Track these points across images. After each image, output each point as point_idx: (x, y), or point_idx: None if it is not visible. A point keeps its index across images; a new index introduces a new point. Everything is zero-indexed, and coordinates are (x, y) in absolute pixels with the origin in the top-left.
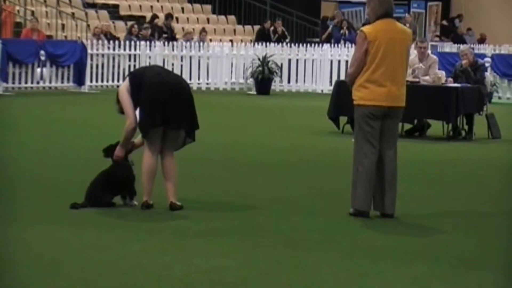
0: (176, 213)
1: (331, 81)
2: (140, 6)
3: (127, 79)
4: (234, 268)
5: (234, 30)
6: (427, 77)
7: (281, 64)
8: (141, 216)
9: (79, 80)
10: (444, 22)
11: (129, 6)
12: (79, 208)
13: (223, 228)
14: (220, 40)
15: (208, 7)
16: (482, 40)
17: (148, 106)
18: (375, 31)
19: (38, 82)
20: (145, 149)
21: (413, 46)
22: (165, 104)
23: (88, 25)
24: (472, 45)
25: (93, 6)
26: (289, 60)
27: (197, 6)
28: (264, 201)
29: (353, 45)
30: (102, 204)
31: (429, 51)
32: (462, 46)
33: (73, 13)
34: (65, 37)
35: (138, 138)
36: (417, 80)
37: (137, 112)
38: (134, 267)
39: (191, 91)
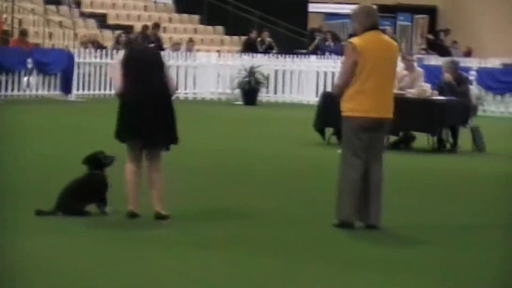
0: (162, 222)
1: (317, 92)
2: (128, 15)
3: (123, 53)
4: (221, 278)
5: (222, 41)
6: (412, 90)
7: (268, 75)
8: (126, 225)
9: (66, 88)
10: (430, 36)
11: (117, 15)
12: (47, 215)
13: (210, 238)
14: (207, 50)
15: (196, 17)
16: (468, 54)
17: (122, 117)
18: (364, 42)
19: (25, 90)
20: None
21: (399, 58)
22: (141, 118)
23: (75, 34)
24: (457, 59)
25: (81, 15)
26: (276, 71)
27: (185, 16)
28: (250, 211)
29: (339, 56)
30: (72, 212)
31: (415, 64)
32: (444, 60)
33: (60, 22)
34: (53, 45)
35: None
36: (403, 92)
37: None
38: (118, 276)
39: (170, 101)
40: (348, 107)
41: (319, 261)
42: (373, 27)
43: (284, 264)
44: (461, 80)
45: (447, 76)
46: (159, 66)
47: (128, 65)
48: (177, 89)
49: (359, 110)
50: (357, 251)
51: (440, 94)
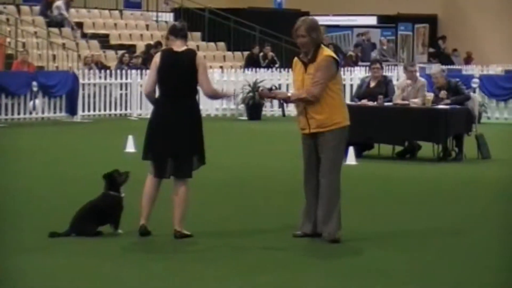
0: (177, 240)
1: None
2: (130, 35)
3: (159, 55)
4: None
5: (224, 57)
6: (416, 100)
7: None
8: (141, 243)
9: (72, 110)
10: (431, 50)
11: (119, 35)
12: (60, 236)
13: (217, 253)
14: (210, 67)
15: (198, 34)
16: (468, 60)
17: (149, 136)
18: None
19: (30, 113)
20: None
21: (401, 69)
22: (164, 137)
23: (79, 55)
24: (459, 66)
25: (84, 36)
26: (279, 85)
27: None
28: (258, 227)
29: (341, 68)
30: (86, 233)
31: (418, 74)
32: (433, 69)
33: (63, 44)
34: (57, 67)
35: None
36: (407, 102)
37: None
38: None
39: (197, 121)
40: (344, 117)
41: (330, 272)
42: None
43: (296, 277)
44: (453, 87)
45: (437, 85)
46: (191, 72)
47: (160, 69)
48: (211, 92)
49: (349, 119)
50: (364, 261)
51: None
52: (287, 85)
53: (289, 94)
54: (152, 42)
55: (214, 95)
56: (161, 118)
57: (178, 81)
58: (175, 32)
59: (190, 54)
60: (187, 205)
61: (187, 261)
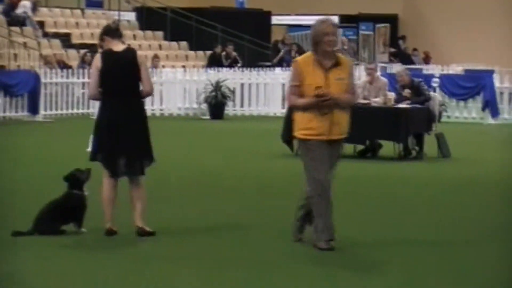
0: (143, 238)
1: (283, 104)
2: (92, 33)
3: (99, 57)
4: None
5: (186, 56)
6: (377, 99)
7: (234, 89)
8: (105, 243)
9: (33, 109)
10: (392, 49)
11: (81, 34)
12: (24, 235)
13: (182, 253)
14: (173, 66)
15: (160, 33)
16: (427, 59)
17: (98, 138)
18: None
19: None
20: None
21: (362, 68)
22: (115, 138)
23: (40, 54)
24: (419, 66)
25: (45, 35)
26: (242, 84)
27: (149, 32)
28: (221, 225)
29: None
30: (49, 232)
31: (379, 73)
32: (397, 68)
33: (25, 43)
34: (18, 66)
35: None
36: (368, 101)
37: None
38: None
39: (143, 119)
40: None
41: (296, 272)
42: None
43: (262, 276)
44: (412, 87)
45: (401, 84)
46: (134, 71)
47: (103, 71)
48: (152, 90)
49: None
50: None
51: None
52: (249, 85)
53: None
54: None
55: (152, 93)
56: (108, 119)
57: (122, 80)
58: (111, 32)
59: (131, 53)
60: (146, 202)
61: (151, 259)
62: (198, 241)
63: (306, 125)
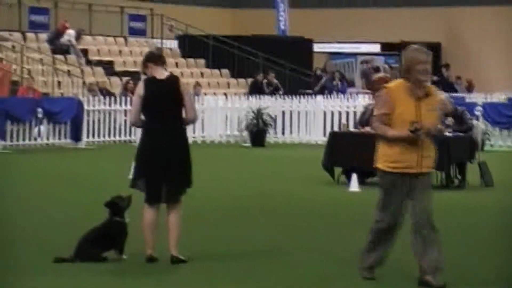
0: (178, 265)
1: (325, 132)
2: (135, 61)
3: (142, 84)
4: None
5: (228, 83)
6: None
7: (275, 116)
8: (145, 270)
9: (76, 136)
10: (435, 77)
11: (124, 62)
12: (65, 262)
13: (223, 277)
14: (214, 93)
15: (202, 61)
16: (470, 87)
17: (140, 164)
18: None
19: (35, 139)
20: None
21: None
22: (157, 164)
23: (84, 82)
24: (462, 94)
25: (88, 63)
26: (283, 112)
27: (191, 60)
28: (260, 249)
29: (345, 96)
30: (91, 259)
31: None
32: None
33: (69, 70)
34: (62, 94)
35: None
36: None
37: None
38: None
39: (185, 147)
40: None
41: None
42: None
43: None
44: (455, 115)
45: (450, 108)
46: (177, 98)
47: (146, 98)
48: (195, 118)
49: None
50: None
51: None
52: (291, 112)
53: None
54: None
55: (196, 120)
56: (150, 146)
57: (165, 107)
58: (154, 59)
59: (174, 80)
60: (180, 229)
61: (192, 284)
62: (240, 265)
63: (396, 158)
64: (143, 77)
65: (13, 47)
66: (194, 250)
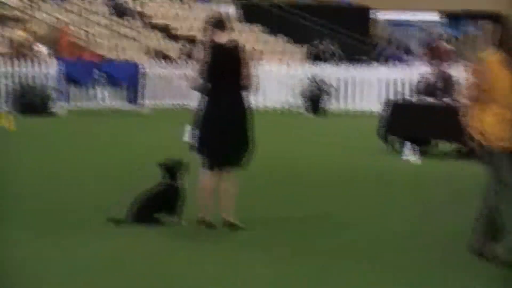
0: (232, 230)
1: (380, 101)
2: (191, 27)
3: (208, 50)
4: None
5: (286, 50)
6: None
7: (335, 84)
8: (201, 234)
9: (135, 99)
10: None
11: (185, 26)
12: (119, 223)
13: (274, 242)
14: (274, 60)
15: (260, 27)
16: None
17: (204, 132)
18: None
19: (95, 102)
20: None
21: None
22: (220, 132)
23: (144, 45)
24: None
25: (150, 26)
26: (342, 79)
27: (250, 27)
28: (310, 217)
29: (403, 64)
30: (145, 221)
31: None
32: None
33: (127, 34)
34: (120, 57)
35: None
36: None
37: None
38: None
39: (248, 114)
40: None
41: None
42: None
43: (344, 264)
44: None
45: None
46: (241, 66)
47: (211, 65)
48: (257, 86)
49: None
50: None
51: None
52: (350, 79)
53: None
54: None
55: (257, 88)
56: (215, 114)
57: (229, 75)
58: (220, 25)
59: (239, 48)
60: (235, 196)
61: (246, 248)
62: (288, 230)
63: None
64: (206, 42)
65: (75, 10)
66: (251, 216)
